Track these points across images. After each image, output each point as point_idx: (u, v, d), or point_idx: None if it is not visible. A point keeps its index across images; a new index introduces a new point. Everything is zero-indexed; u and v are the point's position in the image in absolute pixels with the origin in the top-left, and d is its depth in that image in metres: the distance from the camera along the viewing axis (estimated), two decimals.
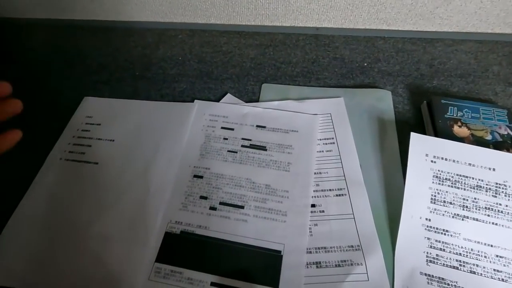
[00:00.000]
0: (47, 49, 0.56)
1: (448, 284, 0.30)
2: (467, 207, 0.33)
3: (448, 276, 0.31)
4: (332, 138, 0.40)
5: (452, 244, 0.32)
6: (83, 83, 0.50)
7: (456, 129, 0.38)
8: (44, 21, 0.60)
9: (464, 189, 0.33)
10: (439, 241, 0.32)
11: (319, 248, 0.33)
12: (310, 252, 0.32)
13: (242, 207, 0.35)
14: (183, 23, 0.57)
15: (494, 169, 0.34)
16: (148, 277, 0.32)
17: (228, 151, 0.40)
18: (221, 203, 0.36)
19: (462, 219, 0.32)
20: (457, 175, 0.34)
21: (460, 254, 0.31)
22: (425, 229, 0.33)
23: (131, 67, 0.52)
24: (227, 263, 0.32)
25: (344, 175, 0.37)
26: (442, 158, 0.34)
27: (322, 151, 0.39)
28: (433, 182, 0.34)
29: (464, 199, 0.33)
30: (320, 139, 0.40)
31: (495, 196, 0.33)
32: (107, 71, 0.51)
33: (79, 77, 0.51)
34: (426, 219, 0.33)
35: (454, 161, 0.34)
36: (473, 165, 0.34)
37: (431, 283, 0.30)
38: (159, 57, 0.53)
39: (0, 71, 0.54)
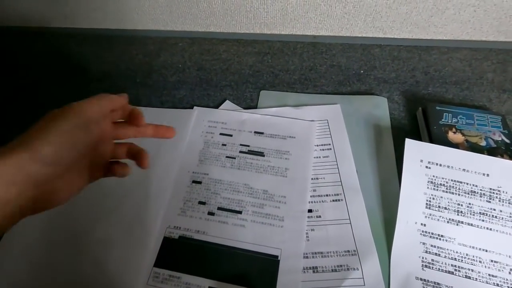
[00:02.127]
0: (51, 57, 0.58)
1: None
2: (461, 212, 0.33)
3: (443, 281, 0.31)
4: (329, 144, 0.41)
5: (447, 249, 0.32)
6: (86, 90, 0.51)
7: (451, 135, 0.39)
8: (48, 29, 0.61)
9: (459, 195, 0.34)
10: (435, 246, 0.32)
11: (315, 253, 0.33)
12: (307, 257, 0.33)
13: (240, 212, 0.36)
14: (183, 31, 0.58)
15: (488, 175, 0.34)
16: (147, 281, 0.32)
17: (227, 157, 0.40)
18: (219, 208, 0.36)
19: (457, 224, 0.33)
20: (451, 180, 0.34)
21: (455, 259, 0.32)
22: (421, 234, 0.33)
23: (132, 75, 0.53)
24: (225, 268, 0.33)
25: (341, 181, 0.38)
26: (437, 164, 0.35)
27: (319, 157, 0.40)
28: (428, 188, 0.34)
29: (458, 204, 0.33)
30: (317, 145, 0.41)
31: (489, 202, 0.33)
32: (109, 78, 0.52)
33: (82, 84, 0.52)
34: (422, 224, 0.33)
35: (448, 166, 0.35)
36: (467, 171, 0.34)
37: (426, 287, 0.31)
38: (160, 65, 0.54)
39: (5, 78, 0.55)
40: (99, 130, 0.25)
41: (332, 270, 0.32)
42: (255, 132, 0.43)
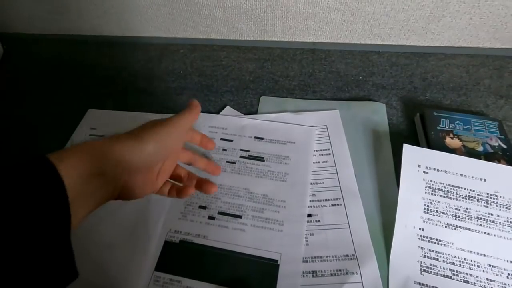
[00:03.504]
0: (54, 62, 0.59)
1: None
2: (459, 217, 0.33)
3: (442, 286, 0.31)
4: (328, 149, 0.41)
5: (446, 254, 0.32)
6: (88, 95, 0.52)
7: (448, 140, 0.39)
8: (52, 36, 0.63)
9: (456, 199, 0.34)
10: (433, 251, 0.33)
11: (315, 257, 0.33)
12: (306, 261, 0.33)
13: (240, 216, 0.36)
14: (184, 38, 0.59)
15: (485, 180, 0.34)
16: (147, 285, 0.32)
17: (227, 161, 0.41)
18: (219, 213, 0.37)
19: (455, 229, 0.33)
20: (449, 185, 0.35)
21: (453, 263, 0.32)
22: (419, 238, 0.33)
23: (134, 81, 0.54)
24: (225, 272, 0.33)
25: (340, 186, 0.38)
26: (434, 169, 0.35)
27: (318, 162, 0.40)
28: (425, 192, 0.35)
29: (456, 209, 0.34)
30: (316, 150, 0.42)
31: (487, 206, 0.33)
32: (111, 84, 0.53)
33: (85, 90, 0.53)
34: (420, 228, 0.34)
35: (446, 171, 0.35)
36: (465, 176, 0.35)
37: None
38: (162, 71, 0.55)
39: (11, 82, 0.56)
40: (183, 140, 0.31)
41: (331, 274, 0.32)
42: (255, 138, 0.43)
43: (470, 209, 0.34)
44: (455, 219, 0.33)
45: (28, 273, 0.18)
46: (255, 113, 0.47)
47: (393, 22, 0.51)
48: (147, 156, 0.25)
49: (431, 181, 0.35)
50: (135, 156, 0.24)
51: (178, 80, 0.53)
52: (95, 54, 0.59)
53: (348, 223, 0.35)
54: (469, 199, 0.34)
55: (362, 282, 0.31)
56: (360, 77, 0.51)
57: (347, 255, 0.33)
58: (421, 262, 0.32)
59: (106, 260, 0.34)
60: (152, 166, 0.28)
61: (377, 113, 0.45)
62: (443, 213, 0.34)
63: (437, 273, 0.32)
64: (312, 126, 0.44)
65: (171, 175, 0.33)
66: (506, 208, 0.33)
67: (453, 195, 0.34)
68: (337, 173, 0.39)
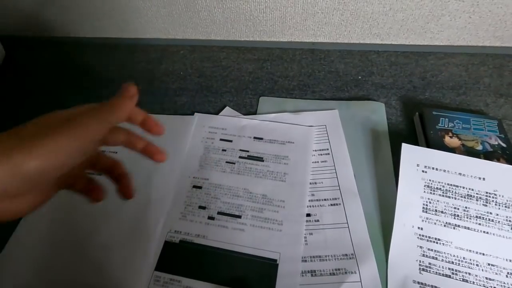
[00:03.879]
0: (56, 64, 0.59)
1: None
2: (458, 216, 0.33)
3: (440, 285, 0.31)
4: (327, 149, 0.42)
5: (444, 253, 0.32)
6: (89, 97, 0.52)
7: (447, 139, 0.39)
8: (53, 38, 0.63)
9: (455, 198, 0.34)
10: (432, 250, 0.33)
11: (314, 257, 0.33)
12: (305, 261, 0.33)
13: (239, 216, 0.37)
14: (184, 39, 0.60)
15: (484, 179, 0.34)
16: (148, 285, 0.33)
17: (227, 162, 0.41)
18: (219, 213, 0.37)
19: (454, 228, 0.33)
20: (448, 184, 0.35)
21: (452, 262, 0.32)
22: (418, 237, 0.33)
23: (134, 82, 0.54)
24: (225, 272, 0.33)
25: (339, 185, 0.38)
26: (433, 168, 0.36)
27: (317, 162, 0.41)
28: (424, 192, 0.35)
29: (455, 208, 0.34)
30: (316, 150, 0.42)
31: (486, 205, 0.33)
32: (112, 85, 0.53)
33: (86, 91, 0.53)
34: (419, 228, 0.34)
35: (444, 171, 0.35)
36: (463, 175, 0.35)
37: None
38: (162, 72, 0.55)
39: (14, 84, 0.57)
40: (95, 149, 0.21)
41: (330, 273, 0.32)
42: (255, 138, 0.43)
43: (469, 208, 0.34)
44: (454, 218, 0.33)
45: None
46: (255, 113, 0.47)
47: (392, 22, 0.51)
48: (26, 180, 0.17)
49: (430, 180, 0.35)
50: (6, 182, 0.17)
51: (178, 81, 0.53)
52: (95, 55, 0.59)
53: (347, 223, 0.35)
54: (468, 198, 0.34)
55: (361, 281, 0.32)
56: (359, 77, 0.51)
57: (346, 255, 0.33)
58: (420, 261, 0.32)
59: (106, 261, 0.34)
60: (39, 186, 0.20)
61: (376, 113, 0.45)
62: (442, 212, 0.34)
63: (436, 272, 0.32)
64: (311, 126, 0.44)
65: (92, 165, 0.25)
66: (505, 207, 0.33)
67: (452, 194, 0.34)
68: (336, 172, 0.39)
